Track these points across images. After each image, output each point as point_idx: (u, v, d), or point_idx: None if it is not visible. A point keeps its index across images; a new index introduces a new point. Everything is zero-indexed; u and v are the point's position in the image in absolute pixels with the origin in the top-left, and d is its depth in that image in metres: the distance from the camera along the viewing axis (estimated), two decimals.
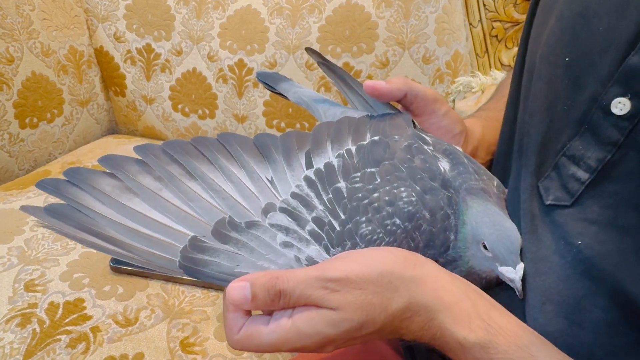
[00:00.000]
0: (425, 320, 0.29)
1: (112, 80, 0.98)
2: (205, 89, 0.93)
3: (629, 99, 0.28)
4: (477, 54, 0.89)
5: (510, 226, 0.34)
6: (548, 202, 0.32)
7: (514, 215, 0.35)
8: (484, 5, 0.86)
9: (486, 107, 0.57)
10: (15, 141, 0.81)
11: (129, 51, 0.95)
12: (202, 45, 0.91)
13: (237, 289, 0.29)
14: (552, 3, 0.35)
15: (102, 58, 0.97)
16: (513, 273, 0.32)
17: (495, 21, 0.86)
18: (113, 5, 0.94)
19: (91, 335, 0.51)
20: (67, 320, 0.52)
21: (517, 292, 0.33)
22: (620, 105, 0.28)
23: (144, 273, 0.58)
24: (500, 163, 0.43)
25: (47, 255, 0.60)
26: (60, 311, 0.53)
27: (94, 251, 0.61)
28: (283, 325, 0.28)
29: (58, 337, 0.51)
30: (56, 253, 0.61)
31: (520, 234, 0.34)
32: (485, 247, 0.33)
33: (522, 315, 0.32)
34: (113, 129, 1.05)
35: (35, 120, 0.84)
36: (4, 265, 0.58)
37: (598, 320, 0.29)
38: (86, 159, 0.87)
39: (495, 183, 0.38)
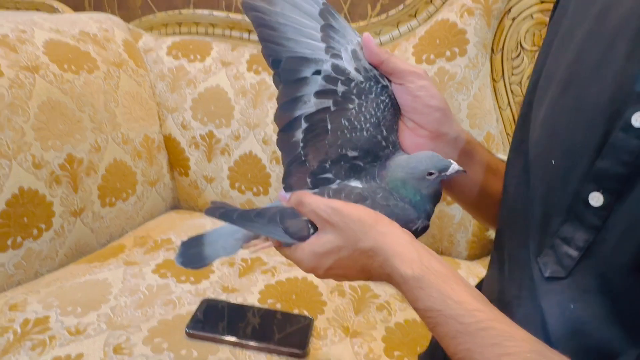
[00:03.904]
0: (382, 261, 0.40)
1: (177, 163, 1.11)
2: (260, 169, 1.03)
3: (602, 193, 0.35)
4: (507, 134, 0.96)
5: (424, 152, 0.45)
6: (547, 275, 0.38)
7: (521, 281, 0.41)
8: (512, 91, 0.95)
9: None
10: (97, 218, 0.92)
11: (193, 137, 1.08)
12: (257, 130, 1.03)
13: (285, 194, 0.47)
14: (536, 111, 0.43)
15: (170, 143, 1.10)
16: (455, 164, 0.43)
17: None
18: (181, 99, 1.08)
19: None
20: None
21: (460, 171, 0.43)
22: (596, 199, 0.35)
23: (214, 338, 0.64)
24: (501, 238, 0.48)
25: (130, 321, 0.68)
26: None
27: (170, 318, 0.69)
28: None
29: None
30: (138, 320, 0.68)
31: (525, 302, 0.40)
32: (430, 173, 0.43)
33: (541, 331, 0.37)
34: (175, 205, 1.16)
35: (113, 199, 0.95)
36: (95, 330, 0.66)
37: None
38: (155, 234, 0.96)
39: None
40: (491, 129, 0.93)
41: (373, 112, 0.46)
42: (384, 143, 0.46)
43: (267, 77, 1.03)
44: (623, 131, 0.34)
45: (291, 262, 0.47)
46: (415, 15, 0.99)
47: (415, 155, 0.45)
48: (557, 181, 0.38)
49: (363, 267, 0.42)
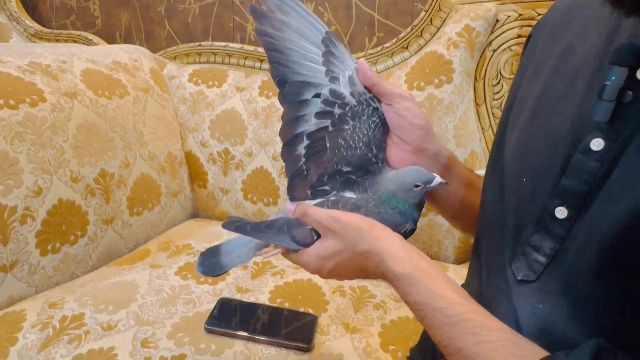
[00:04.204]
0: (378, 261, 0.41)
1: (197, 176, 1.12)
2: (270, 182, 1.04)
3: (566, 207, 0.36)
4: (489, 152, 0.97)
5: (411, 167, 0.46)
6: (519, 278, 0.39)
7: (497, 284, 0.42)
8: (493, 114, 0.96)
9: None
10: (126, 226, 0.93)
11: (211, 154, 1.09)
12: (268, 148, 1.05)
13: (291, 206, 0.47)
14: (510, 133, 0.44)
15: (190, 159, 1.12)
16: (439, 177, 0.44)
17: None
18: (200, 120, 1.10)
19: None
20: None
21: (443, 183, 0.45)
22: (561, 212, 0.36)
23: (230, 334, 0.65)
24: (479, 245, 0.49)
25: (155, 318, 0.69)
26: None
27: (191, 315, 0.70)
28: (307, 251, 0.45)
29: None
30: (162, 317, 0.69)
31: (500, 302, 0.41)
32: (416, 185, 0.44)
33: (514, 328, 0.37)
34: (194, 214, 1.17)
35: (140, 209, 0.97)
36: (124, 326, 0.67)
37: None
38: (176, 240, 0.97)
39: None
40: (475, 147, 0.94)
41: (365, 132, 0.47)
42: (373, 159, 0.47)
43: (277, 101, 1.03)
44: (583, 154, 0.35)
45: (298, 266, 0.48)
46: (407, 48, 1.01)
47: (403, 170, 0.46)
48: (528, 196, 0.40)
49: (361, 267, 0.43)
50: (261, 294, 0.77)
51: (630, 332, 0.32)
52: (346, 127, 0.47)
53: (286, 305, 0.74)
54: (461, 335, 0.35)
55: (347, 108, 0.47)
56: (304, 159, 0.48)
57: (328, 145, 0.47)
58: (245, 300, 0.74)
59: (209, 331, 0.66)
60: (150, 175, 1.00)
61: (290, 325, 0.68)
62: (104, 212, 0.87)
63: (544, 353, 0.33)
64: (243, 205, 1.08)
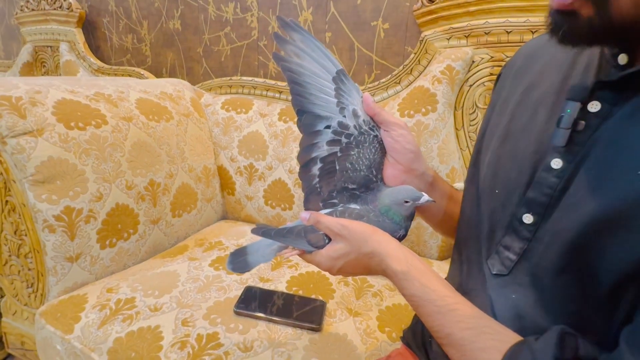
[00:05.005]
0: (379, 261, 0.41)
1: (226, 186, 1.13)
2: (286, 191, 1.05)
3: (532, 215, 0.36)
4: (466, 168, 0.97)
5: (404, 186, 0.46)
6: (494, 272, 0.39)
7: (475, 277, 0.42)
8: (469, 137, 0.97)
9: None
10: (169, 226, 0.94)
11: (238, 167, 1.10)
12: (285, 163, 1.05)
13: (305, 214, 0.46)
14: (484, 155, 0.45)
15: (221, 172, 1.12)
16: (427, 196, 0.44)
17: None
18: (230, 140, 1.11)
19: (224, 357, 0.58)
20: (208, 346, 0.60)
21: (430, 201, 0.44)
22: (527, 218, 0.36)
23: (255, 316, 0.65)
24: (460, 245, 0.49)
25: (193, 301, 0.69)
26: (204, 340, 0.61)
27: (222, 300, 0.70)
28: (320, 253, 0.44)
29: (203, 357, 0.58)
30: (199, 300, 0.69)
31: (479, 293, 0.41)
32: (406, 201, 0.44)
33: (490, 315, 0.37)
34: (224, 216, 1.17)
35: (181, 212, 0.97)
36: (168, 308, 0.67)
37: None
38: (210, 237, 0.98)
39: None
40: (455, 164, 0.95)
41: (367, 157, 0.47)
42: (373, 179, 0.47)
43: (293, 125, 1.06)
44: (545, 171, 0.35)
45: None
46: (399, 83, 1.02)
47: (397, 188, 0.46)
48: (499, 206, 0.40)
49: (365, 265, 0.43)
50: (280, 283, 0.77)
51: (587, 320, 0.32)
52: (352, 153, 0.47)
53: (300, 292, 0.74)
54: (449, 322, 0.35)
55: (352, 138, 0.47)
56: (317, 179, 0.48)
57: (337, 167, 0.47)
58: (266, 288, 0.74)
59: (237, 313, 0.66)
60: (189, 185, 1.00)
61: (304, 310, 0.68)
62: (151, 214, 0.88)
63: (518, 337, 0.33)
64: (264, 209, 1.08)
